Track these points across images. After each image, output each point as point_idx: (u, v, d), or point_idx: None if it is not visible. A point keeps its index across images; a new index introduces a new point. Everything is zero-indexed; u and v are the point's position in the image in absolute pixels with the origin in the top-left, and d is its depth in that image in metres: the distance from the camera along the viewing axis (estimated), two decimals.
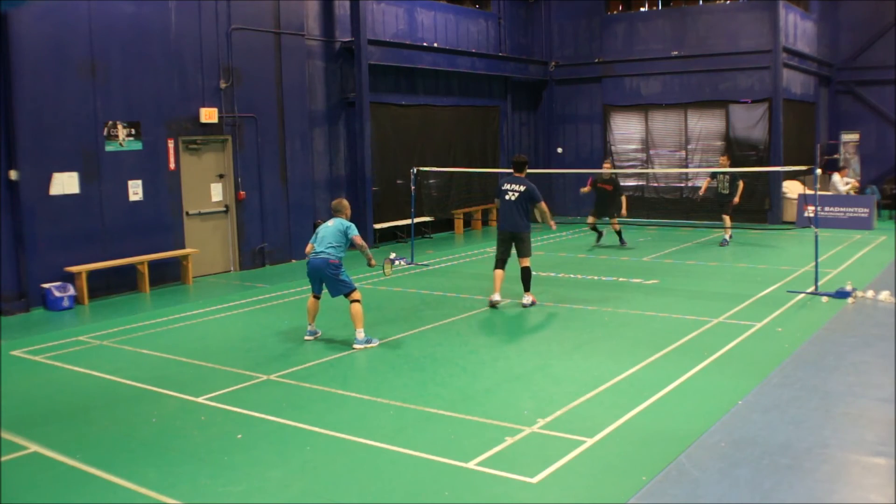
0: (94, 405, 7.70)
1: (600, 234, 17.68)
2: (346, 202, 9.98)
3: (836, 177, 21.08)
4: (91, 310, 12.21)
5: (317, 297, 9.86)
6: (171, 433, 6.86)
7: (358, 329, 9.49)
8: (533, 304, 11.43)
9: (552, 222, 11.98)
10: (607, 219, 17.28)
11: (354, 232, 9.62)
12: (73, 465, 6.18)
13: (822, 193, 17.73)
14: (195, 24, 14.40)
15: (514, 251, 11.52)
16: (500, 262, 11.57)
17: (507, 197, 11.36)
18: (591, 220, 17.58)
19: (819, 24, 24.37)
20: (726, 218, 17.17)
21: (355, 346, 9.42)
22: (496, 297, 11.37)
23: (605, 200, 17.12)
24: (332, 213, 9.93)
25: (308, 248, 9.78)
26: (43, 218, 12.30)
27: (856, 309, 10.82)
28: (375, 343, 9.52)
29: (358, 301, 9.51)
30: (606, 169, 17.63)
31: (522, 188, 11.28)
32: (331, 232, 9.59)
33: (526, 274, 11.43)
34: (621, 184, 17.75)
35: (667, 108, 22.35)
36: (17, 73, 11.92)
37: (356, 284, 9.76)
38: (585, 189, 17.57)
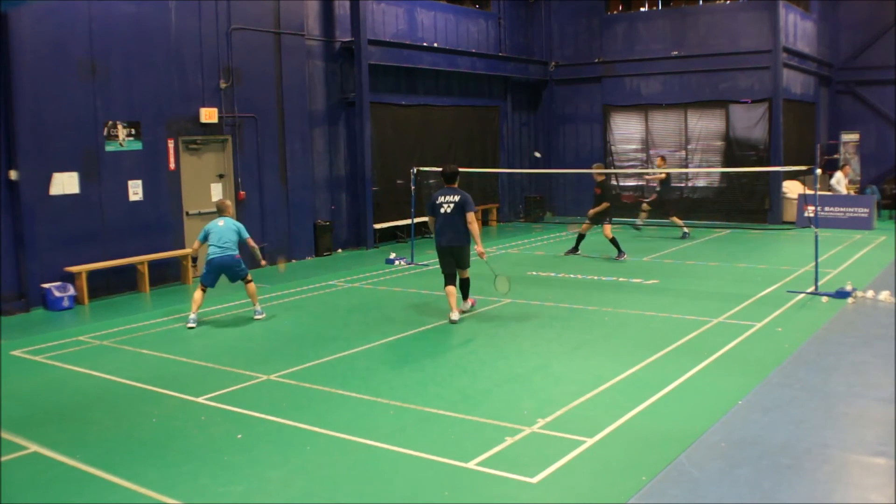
0: (94, 405, 7.70)
1: (576, 249, 16.23)
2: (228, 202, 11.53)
3: (838, 175, 21.07)
4: (91, 310, 12.21)
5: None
6: (171, 433, 6.85)
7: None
8: (472, 306, 11.20)
9: (481, 247, 10.71)
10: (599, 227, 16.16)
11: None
12: (73, 465, 6.18)
13: (823, 193, 17.73)
14: (195, 24, 14.41)
15: None
16: (451, 278, 10.78)
17: (442, 210, 10.65)
18: (584, 227, 16.31)
19: (819, 24, 24.37)
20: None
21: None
22: (455, 315, 10.59)
23: (595, 206, 15.86)
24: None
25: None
26: (43, 218, 12.30)
27: (856, 309, 10.82)
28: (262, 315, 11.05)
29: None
30: (595, 170, 16.21)
31: (457, 198, 10.64)
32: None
33: (465, 284, 11.02)
34: (612, 184, 16.82)
35: (667, 108, 22.35)
36: (17, 73, 11.91)
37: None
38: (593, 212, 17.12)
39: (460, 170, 11.10)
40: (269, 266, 12.87)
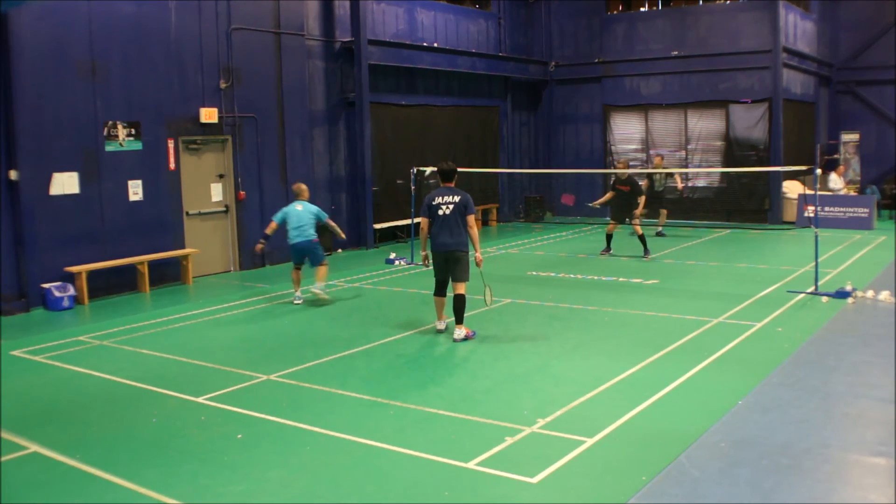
0: (94, 405, 7.70)
1: (608, 248, 16.27)
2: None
3: (832, 175, 21.09)
4: (91, 310, 12.21)
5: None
6: (171, 433, 6.85)
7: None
8: (468, 338, 9.58)
9: (479, 253, 9.77)
10: (627, 225, 16.39)
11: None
12: (73, 465, 6.18)
13: (823, 193, 17.73)
14: (195, 24, 14.40)
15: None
16: (443, 286, 9.90)
17: (440, 212, 9.62)
18: (610, 227, 16.30)
19: (819, 24, 24.37)
20: (664, 212, 17.87)
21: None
22: (441, 325, 10.00)
23: (623, 203, 15.96)
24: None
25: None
26: (43, 218, 12.30)
27: (856, 309, 10.82)
28: None
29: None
30: (621, 169, 16.43)
31: (457, 199, 9.65)
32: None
33: (460, 303, 9.57)
34: (639, 183, 16.68)
35: (667, 108, 22.35)
36: (17, 73, 11.92)
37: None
38: (598, 203, 17.16)
39: (461, 169, 10.54)
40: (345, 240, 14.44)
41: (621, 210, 16.10)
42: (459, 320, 9.63)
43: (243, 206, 15.33)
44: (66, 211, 12.61)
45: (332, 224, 12.47)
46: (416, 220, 16.59)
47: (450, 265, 9.71)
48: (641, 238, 15.78)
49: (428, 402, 7.42)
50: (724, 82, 21.45)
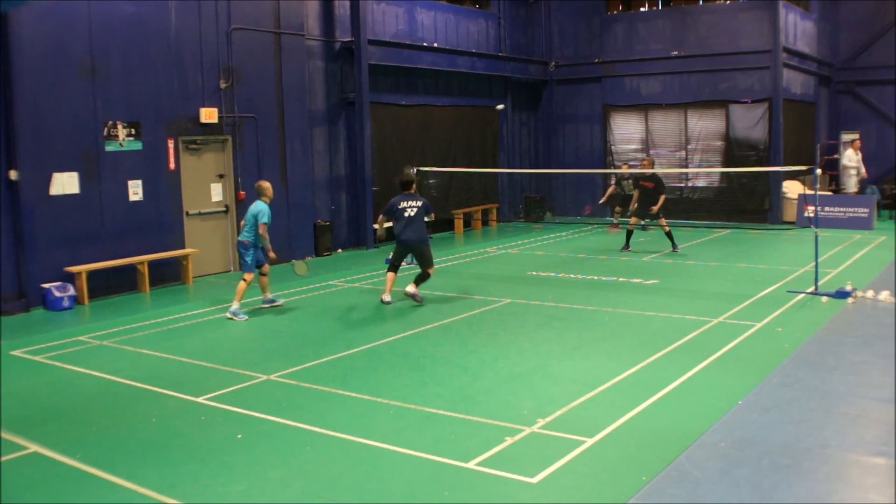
0: (94, 405, 7.71)
1: (628, 245, 16.57)
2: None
3: (849, 152, 21.10)
4: (91, 310, 12.21)
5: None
6: (171, 433, 6.86)
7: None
8: (415, 296, 11.85)
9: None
10: (648, 221, 16.65)
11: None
12: (73, 465, 6.18)
13: (823, 193, 17.72)
14: (195, 24, 14.41)
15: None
16: (395, 269, 12.14)
17: (406, 214, 11.81)
18: (633, 221, 16.53)
19: (819, 24, 24.36)
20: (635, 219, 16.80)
21: None
22: (387, 297, 11.87)
23: (647, 200, 16.12)
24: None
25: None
26: (43, 218, 12.30)
27: (856, 309, 10.82)
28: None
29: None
30: (646, 166, 16.70)
31: (419, 203, 11.94)
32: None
33: (426, 278, 12.07)
34: (663, 181, 16.83)
35: (667, 108, 22.34)
36: (17, 73, 11.92)
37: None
38: (605, 198, 17.31)
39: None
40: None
41: (643, 206, 16.32)
42: (418, 283, 11.96)
43: (243, 206, 15.29)
44: (66, 211, 12.61)
45: (263, 234, 11.24)
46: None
47: (417, 254, 12.00)
48: (669, 234, 16.29)
49: (428, 402, 7.42)
50: (723, 82, 21.45)
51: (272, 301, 11.84)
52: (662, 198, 16.13)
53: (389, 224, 12.02)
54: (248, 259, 11.39)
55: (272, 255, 11.48)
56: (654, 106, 22.53)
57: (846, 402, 7.15)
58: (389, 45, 18.72)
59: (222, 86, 14.87)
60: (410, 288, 11.85)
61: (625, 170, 20.16)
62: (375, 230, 13.18)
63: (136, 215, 13.56)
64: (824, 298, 11.34)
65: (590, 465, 5.91)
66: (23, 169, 12.03)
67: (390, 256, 12.33)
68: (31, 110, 12.11)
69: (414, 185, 12.20)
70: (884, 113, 24.18)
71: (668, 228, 16.27)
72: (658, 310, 11.02)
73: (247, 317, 11.14)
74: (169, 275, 14.05)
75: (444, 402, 7.37)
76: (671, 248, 16.18)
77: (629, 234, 16.74)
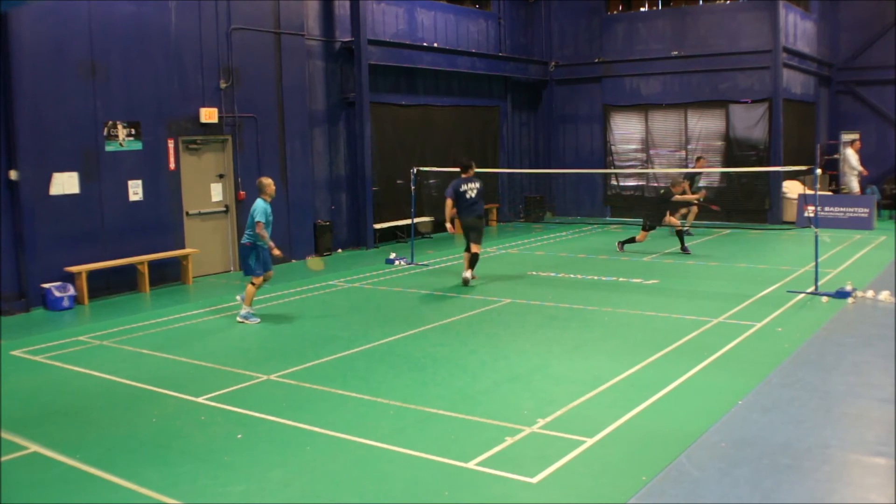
0: (94, 405, 7.70)
1: (683, 242, 16.42)
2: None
3: (849, 150, 21.09)
4: (91, 310, 12.21)
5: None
6: (171, 433, 6.86)
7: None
8: (472, 277, 13.14)
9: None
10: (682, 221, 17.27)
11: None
12: (73, 465, 6.18)
13: (823, 193, 17.71)
14: (195, 24, 14.41)
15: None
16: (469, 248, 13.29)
17: (467, 196, 13.04)
18: (675, 223, 16.60)
19: (819, 24, 24.36)
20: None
21: None
22: (468, 273, 13.11)
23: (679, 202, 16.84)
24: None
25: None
26: (43, 218, 12.30)
27: (856, 309, 10.82)
28: None
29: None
30: (702, 165, 18.18)
31: (479, 185, 13.19)
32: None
33: (476, 259, 13.29)
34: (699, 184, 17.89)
35: (667, 108, 22.34)
36: (17, 73, 11.91)
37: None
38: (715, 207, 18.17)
39: (458, 169, 12.98)
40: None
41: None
42: (472, 266, 13.24)
43: (243, 206, 15.30)
44: (66, 211, 12.61)
45: (261, 232, 10.69)
46: (417, 220, 16.94)
47: (477, 230, 13.13)
48: (679, 233, 16.60)
49: (428, 402, 7.42)
50: (724, 82, 21.44)
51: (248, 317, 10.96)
52: (695, 196, 17.20)
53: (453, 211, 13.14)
54: (251, 263, 10.87)
55: (276, 251, 10.98)
56: (654, 106, 22.53)
57: (846, 402, 7.15)
58: (389, 45, 18.72)
59: (222, 86, 14.87)
60: (468, 273, 13.06)
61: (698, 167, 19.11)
62: (443, 221, 14.22)
63: (136, 215, 13.56)
64: (824, 298, 11.34)
65: (590, 465, 5.91)
66: (23, 169, 12.03)
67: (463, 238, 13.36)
68: (31, 110, 12.11)
69: (472, 169, 13.21)
70: (884, 113, 24.18)
71: (683, 228, 16.85)
72: (658, 310, 11.02)
73: (259, 319, 10.93)
74: (169, 275, 14.05)
75: (444, 402, 7.37)
76: (680, 249, 16.26)
77: (679, 234, 16.55)
